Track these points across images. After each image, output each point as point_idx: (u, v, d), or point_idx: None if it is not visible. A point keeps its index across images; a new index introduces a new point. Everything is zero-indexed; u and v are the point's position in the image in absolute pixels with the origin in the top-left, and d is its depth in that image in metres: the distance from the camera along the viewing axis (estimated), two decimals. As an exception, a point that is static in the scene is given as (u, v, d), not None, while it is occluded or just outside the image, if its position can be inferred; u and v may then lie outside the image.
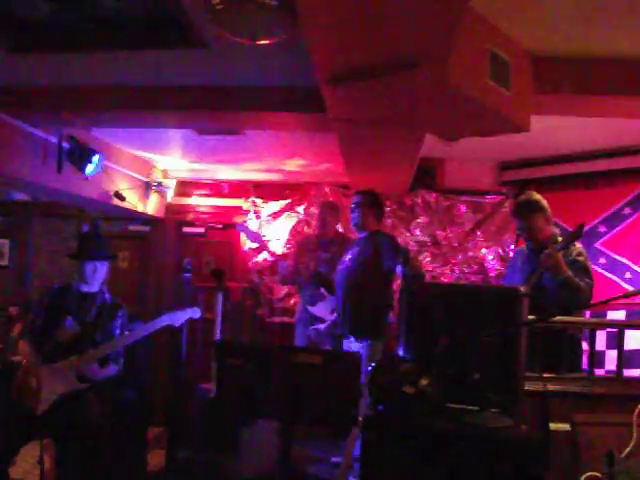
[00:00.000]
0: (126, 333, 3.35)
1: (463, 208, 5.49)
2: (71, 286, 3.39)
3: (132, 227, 6.12)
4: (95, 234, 3.71)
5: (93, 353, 3.16)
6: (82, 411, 3.09)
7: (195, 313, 3.44)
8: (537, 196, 3.39)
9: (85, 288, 3.38)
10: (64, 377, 3.08)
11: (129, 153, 5.19)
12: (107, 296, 3.44)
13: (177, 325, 3.37)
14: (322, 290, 4.50)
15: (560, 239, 3.28)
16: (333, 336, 4.18)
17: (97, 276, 3.38)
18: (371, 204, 4.09)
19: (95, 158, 4.15)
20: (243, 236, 5.92)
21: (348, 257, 4.06)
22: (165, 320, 3.31)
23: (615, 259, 4.66)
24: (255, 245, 5.42)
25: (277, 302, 5.78)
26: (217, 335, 3.74)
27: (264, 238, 5.80)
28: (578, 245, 3.36)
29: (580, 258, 3.24)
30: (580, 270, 3.19)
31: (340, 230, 5.15)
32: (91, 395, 3.16)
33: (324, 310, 4.44)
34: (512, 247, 5.28)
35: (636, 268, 4.56)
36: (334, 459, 3.93)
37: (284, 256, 5.37)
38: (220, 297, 3.81)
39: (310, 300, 4.55)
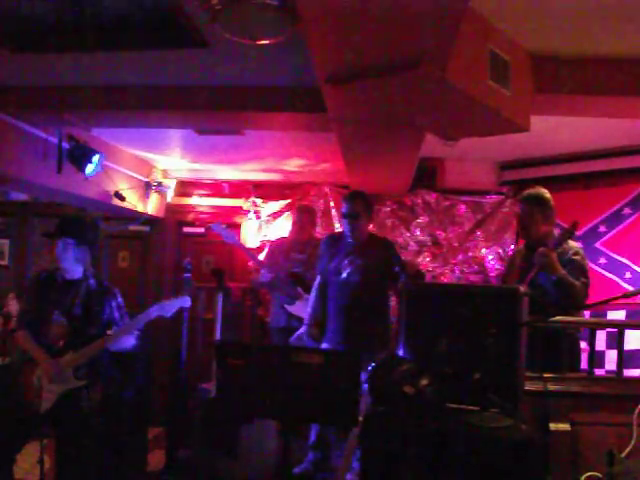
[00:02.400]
0: (115, 330, 3.23)
1: (463, 208, 5.49)
2: (55, 275, 3.26)
3: (132, 227, 6.12)
4: (69, 217, 3.45)
5: (86, 350, 3.10)
6: (75, 405, 3.08)
7: (185, 302, 3.32)
8: (544, 193, 3.37)
9: (68, 275, 3.25)
10: (63, 375, 3.07)
11: (129, 153, 5.19)
12: (92, 282, 3.30)
13: (168, 315, 3.25)
14: (299, 290, 4.51)
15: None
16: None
17: (67, 256, 3.20)
18: (366, 210, 3.78)
19: (95, 158, 4.15)
20: (243, 236, 5.93)
21: (348, 270, 3.74)
22: (155, 311, 3.20)
23: (615, 259, 4.67)
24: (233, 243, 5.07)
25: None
26: (217, 335, 3.74)
27: (265, 238, 5.81)
28: (575, 244, 3.36)
29: (576, 257, 3.24)
30: (576, 270, 3.19)
31: (316, 235, 5.15)
32: (89, 387, 3.14)
33: (303, 309, 4.44)
34: (512, 247, 5.28)
35: (636, 268, 4.56)
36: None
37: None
38: (220, 297, 3.80)
39: (288, 300, 4.55)
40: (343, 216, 3.80)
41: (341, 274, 3.75)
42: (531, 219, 3.33)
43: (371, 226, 5.55)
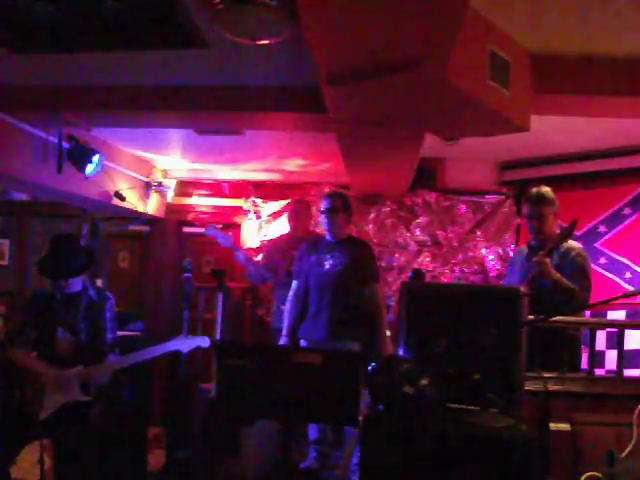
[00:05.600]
0: (133, 354, 3.28)
1: (463, 208, 5.49)
2: (53, 291, 3.29)
3: (132, 227, 6.12)
4: (64, 248, 3.32)
5: (99, 367, 3.14)
6: (83, 417, 3.08)
7: (204, 342, 3.43)
8: (550, 191, 3.41)
9: (68, 290, 3.28)
10: (68, 386, 3.07)
11: (129, 153, 5.19)
12: (92, 292, 3.34)
13: (185, 351, 3.37)
14: None
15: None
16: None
17: (71, 283, 3.27)
18: (344, 207, 3.98)
19: (95, 158, 4.15)
20: (243, 236, 5.93)
21: (330, 262, 3.92)
22: (175, 345, 3.33)
23: (615, 259, 4.67)
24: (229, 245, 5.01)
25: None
26: (217, 335, 3.74)
27: (265, 238, 5.80)
28: (577, 245, 3.36)
29: (578, 260, 3.24)
30: (577, 272, 3.19)
31: (312, 229, 5.17)
32: (94, 403, 3.15)
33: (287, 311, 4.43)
34: (512, 247, 5.28)
35: (636, 268, 4.56)
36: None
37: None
38: (220, 297, 3.80)
39: (283, 300, 4.50)
40: (322, 212, 4.01)
41: (323, 265, 3.93)
42: (544, 219, 3.33)
43: (370, 226, 5.62)
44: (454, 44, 2.30)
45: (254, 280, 5.01)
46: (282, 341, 4.05)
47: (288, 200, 5.83)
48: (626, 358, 2.93)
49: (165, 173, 5.87)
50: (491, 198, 5.44)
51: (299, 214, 4.85)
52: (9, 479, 3.06)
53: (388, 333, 3.94)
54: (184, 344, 3.35)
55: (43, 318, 3.24)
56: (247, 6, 2.25)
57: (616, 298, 2.23)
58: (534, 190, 3.42)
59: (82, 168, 4.11)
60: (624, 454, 2.16)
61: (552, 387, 2.58)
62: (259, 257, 5.25)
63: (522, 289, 2.30)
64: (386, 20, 2.13)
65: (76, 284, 3.30)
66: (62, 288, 3.26)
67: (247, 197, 5.92)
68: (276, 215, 5.87)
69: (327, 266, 3.92)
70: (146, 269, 6.15)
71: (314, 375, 2.15)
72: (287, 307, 4.12)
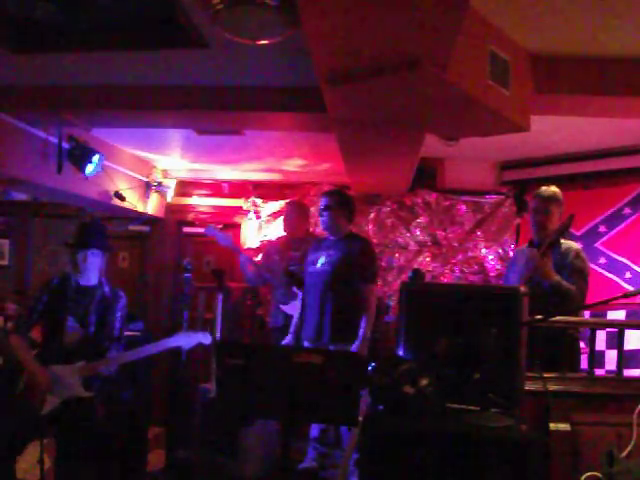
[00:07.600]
0: (134, 350, 3.27)
1: (463, 208, 5.49)
2: (70, 280, 3.31)
3: (132, 227, 6.11)
4: (90, 225, 3.52)
5: (100, 362, 3.14)
6: (87, 416, 3.08)
7: (206, 339, 3.44)
8: (559, 192, 3.41)
9: (83, 281, 3.30)
10: (70, 382, 3.07)
11: (129, 153, 5.19)
12: (106, 289, 3.36)
13: (186, 348, 3.37)
14: (295, 289, 4.46)
15: (562, 240, 3.27)
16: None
17: (88, 265, 3.28)
18: (340, 205, 3.93)
19: (95, 158, 4.15)
20: (243, 236, 5.93)
21: (322, 261, 3.88)
22: (176, 341, 3.33)
23: (615, 259, 4.66)
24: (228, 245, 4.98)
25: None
26: (217, 335, 3.74)
27: (265, 238, 5.80)
28: (576, 246, 3.36)
29: (577, 261, 3.24)
30: (575, 273, 3.18)
31: (312, 229, 5.17)
32: (96, 399, 3.15)
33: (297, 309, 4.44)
34: (512, 247, 5.28)
35: (636, 268, 4.56)
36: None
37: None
38: (220, 297, 3.80)
39: (283, 299, 4.54)
40: (320, 211, 4.02)
41: (315, 264, 3.92)
42: (549, 217, 3.33)
43: (370, 226, 5.62)
44: (454, 44, 2.30)
45: (254, 283, 5.00)
46: (289, 338, 4.03)
47: (288, 200, 5.83)
48: (626, 358, 2.94)
49: (165, 173, 5.87)
50: (491, 198, 5.45)
51: (295, 216, 4.85)
52: (14, 477, 3.06)
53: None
54: (185, 340, 3.35)
55: (55, 306, 3.24)
56: (247, 6, 2.25)
57: (616, 298, 2.23)
58: (545, 187, 3.43)
59: (82, 168, 4.11)
60: (624, 454, 2.16)
61: (552, 387, 2.58)
62: (259, 258, 5.25)
63: (522, 289, 2.30)
64: (386, 20, 2.13)
65: (93, 278, 3.32)
66: (81, 266, 3.26)
67: (247, 197, 5.92)
68: (276, 215, 5.87)
69: (318, 265, 3.90)
70: (146, 269, 6.15)
71: (314, 375, 2.15)
72: (298, 307, 4.10)
